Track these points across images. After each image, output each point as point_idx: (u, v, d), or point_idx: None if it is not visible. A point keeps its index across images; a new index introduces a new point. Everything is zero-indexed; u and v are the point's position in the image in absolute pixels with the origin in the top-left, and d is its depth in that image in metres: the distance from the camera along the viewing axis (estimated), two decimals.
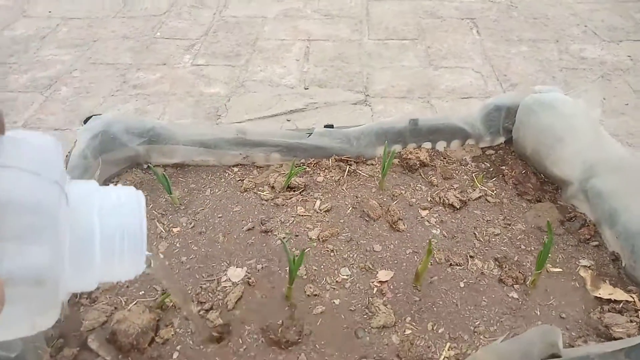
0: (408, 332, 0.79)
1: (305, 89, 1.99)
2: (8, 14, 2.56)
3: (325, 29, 2.41)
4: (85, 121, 1.01)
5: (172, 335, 0.79)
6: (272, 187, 1.05)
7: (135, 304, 0.83)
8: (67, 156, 0.96)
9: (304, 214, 1.00)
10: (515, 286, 0.86)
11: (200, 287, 0.86)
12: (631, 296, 0.81)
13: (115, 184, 1.02)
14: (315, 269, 0.88)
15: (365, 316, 0.81)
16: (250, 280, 0.86)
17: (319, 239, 0.93)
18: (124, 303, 0.83)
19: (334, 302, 0.83)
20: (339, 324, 0.80)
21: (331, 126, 1.09)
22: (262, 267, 0.89)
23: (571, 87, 1.97)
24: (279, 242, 0.93)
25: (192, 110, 1.88)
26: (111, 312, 0.81)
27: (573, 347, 0.74)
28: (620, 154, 0.89)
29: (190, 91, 1.99)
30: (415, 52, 2.22)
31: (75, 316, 0.81)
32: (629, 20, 2.44)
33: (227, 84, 2.03)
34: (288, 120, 1.82)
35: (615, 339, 0.74)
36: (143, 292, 0.85)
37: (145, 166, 1.08)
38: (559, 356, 0.68)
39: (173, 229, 0.97)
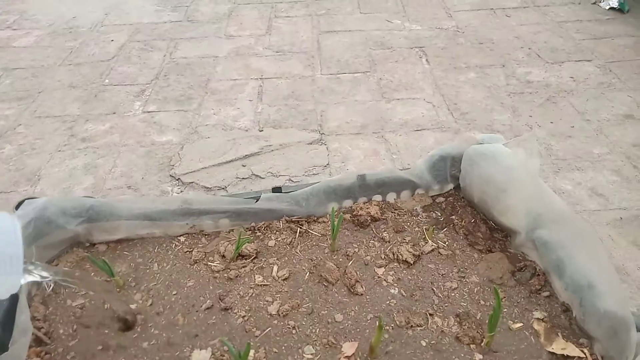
0: None
1: (260, 131, 1.97)
2: None
3: (278, 66, 2.41)
4: (17, 206, 0.96)
5: None
6: (223, 257, 1.02)
7: None
8: None
9: (262, 282, 0.97)
10: (472, 345, 0.85)
11: None
12: (582, 350, 0.82)
13: (56, 266, 0.96)
14: (275, 351, 0.85)
15: None
16: None
17: (279, 314, 0.90)
18: None
19: None
20: None
21: (279, 189, 1.07)
22: (226, 348, 0.86)
23: (519, 112, 2.03)
24: (240, 319, 0.90)
25: (144, 161, 1.83)
26: None
27: None
28: (561, 206, 0.91)
29: (141, 141, 1.94)
30: (368, 85, 2.24)
31: None
32: (569, 41, 2.54)
33: (180, 130, 1.99)
34: (243, 166, 1.79)
35: None
36: None
37: (87, 245, 1.04)
38: None
39: (130, 306, 0.92)
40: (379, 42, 2.60)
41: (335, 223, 0.99)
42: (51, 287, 0.95)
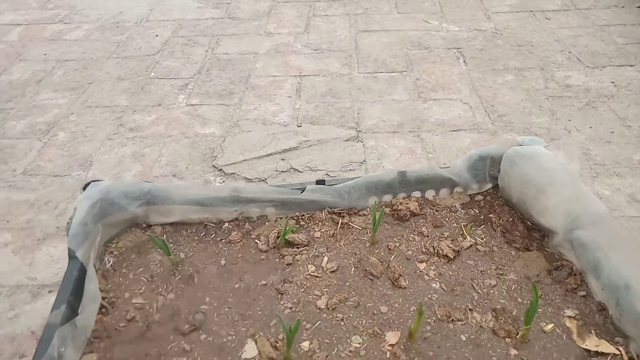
0: None
1: (298, 126, 2.03)
2: (4, 59, 2.61)
3: (316, 64, 2.46)
4: (84, 187, 1.04)
5: None
6: (273, 244, 1.07)
7: None
8: (68, 223, 0.99)
9: (314, 273, 1.02)
10: (507, 339, 0.89)
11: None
12: (618, 348, 0.84)
13: (116, 245, 1.04)
14: (327, 342, 0.90)
15: None
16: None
17: (328, 308, 0.95)
18: None
19: None
20: None
21: (323, 182, 1.12)
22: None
23: (558, 116, 2.03)
24: (287, 310, 0.95)
25: (188, 151, 1.91)
26: None
27: None
28: (600, 209, 0.93)
29: (185, 132, 2.03)
30: (404, 85, 2.27)
31: None
32: (611, 45, 2.50)
33: (222, 123, 2.07)
34: (283, 160, 1.86)
35: None
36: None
37: (144, 226, 1.11)
38: None
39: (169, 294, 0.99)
40: (416, 43, 2.62)
41: (377, 216, 1.04)
42: (110, 263, 1.03)
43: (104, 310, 0.95)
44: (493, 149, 1.11)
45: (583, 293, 0.95)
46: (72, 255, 0.95)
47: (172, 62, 2.54)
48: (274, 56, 2.55)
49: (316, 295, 0.98)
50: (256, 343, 0.89)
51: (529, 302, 0.95)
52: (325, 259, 1.05)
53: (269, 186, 1.10)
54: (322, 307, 0.96)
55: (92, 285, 0.91)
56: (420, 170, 1.13)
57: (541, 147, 1.04)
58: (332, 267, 1.03)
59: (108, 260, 1.04)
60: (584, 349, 0.86)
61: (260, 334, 0.91)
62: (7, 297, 1.40)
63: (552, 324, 0.91)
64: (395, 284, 0.99)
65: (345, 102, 2.17)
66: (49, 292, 1.40)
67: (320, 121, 2.06)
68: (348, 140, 1.94)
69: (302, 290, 0.99)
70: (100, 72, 2.47)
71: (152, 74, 2.45)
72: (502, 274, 1.00)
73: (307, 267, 1.03)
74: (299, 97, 2.22)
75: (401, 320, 0.93)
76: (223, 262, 1.05)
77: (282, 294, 0.98)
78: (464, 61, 2.44)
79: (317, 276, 1.01)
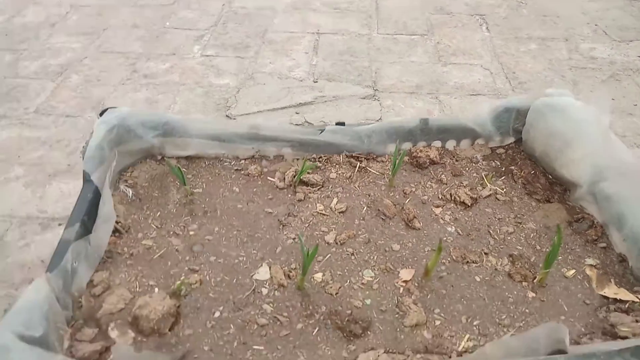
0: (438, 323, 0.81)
1: (314, 82, 1.99)
2: (18, 1, 2.56)
3: (335, 23, 2.41)
4: (101, 113, 1.02)
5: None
6: (289, 182, 1.06)
7: (156, 291, 0.85)
8: (84, 147, 0.98)
9: (322, 212, 1.01)
10: (524, 283, 0.88)
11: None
12: (637, 297, 0.83)
13: (131, 174, 1.03)
14: (339, 274, 0.89)
15: (397, 315, 0.83)
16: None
17: (336, 242, 0.95)
18: (139, 289, 0.85)
19: (365, 302, 0.84)
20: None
21: (342, 124, 1.10)
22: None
23: (580, 87, 1.98)
24: (293, 238, 0.94)
25: (202, 100, 1.89)
26: (130, 299, 0.83)
27: (579, 344, 0.76)
28: (629, 159, 0.90)
29: (199, 82, 2.00)
30: (425, 48, 2.22)
31: (95, 301, 0.83)
32: None
33: (237, 75, 2.04)
34: (297, 113, 1.83)
35: (620, 338, 0.76)
36: (162, 279, 0.87)
37: (159, 157, 1.10)
38: (565, 352, 0.70)
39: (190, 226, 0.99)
40: (439, 7, 2.55)
41: (398, 159, 1.02)
42: (129, 192, 1.02)
43: (117, 234, 0.95)
44: (520, 101, 1.09)
45: (603, 245, 0.94)
46: (87, 179, 0.94)
47: (188, 13, 2.49)
48: (292, 13, 2.50)
49: (323, 231, 0.97)
50: (270, 268, 0.88)
51: (547, 250, 0.93)
52: (335, 199, 1.03)
53: (288, 125, 1.08)
54: (331, 241, 0.95)
55: (106, 206, 0.90)
56: (443, 118, 1.11)
57: (571, 98, 1.01)
58: (341, 207, 1.01)
59: (125, 189, 1.03)
60: (602, 295, 0.85)
61: (270, 259, 0.90)
62: (17, 227, 1.40)
63: (574, 270, 0.89)
64: (409, 224, 0.98)
65: (363, 61, 2.13)
66: (59, 224, 1.40)
67: (337, 78, 2.02)
68: (365, 98, 1.90)
69: (307, 225, 0.98)
70: (116, 20, 2.43)
71: (168, 23, 2.40)
72: (520, 223, 0.99)
73: (316, 205, 1.02)
74: (316, 53, 2.18)
75: (415, 259, 0.92)
76: (236, 193, 1.04)
77: (284, 225, 0.97)
78: (487, 28, 2.38)
79: (324, 214, 1.00)
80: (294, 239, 0.95)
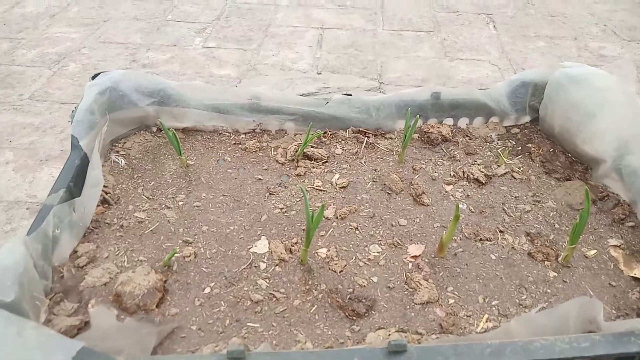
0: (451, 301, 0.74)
1: (318, 74, 1.94)
2: None
3: (339, 18, 2.37)
4: (94, 77, 0.96)
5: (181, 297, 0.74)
6: (291, 156, 1.00)
7: (140, 265, 0.77)
8: (73, 111, 0.92)
9: (320, 187, 0.94)
10: (546, 262, 0.80)
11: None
12: None
13: (123, 145, 0.95)
14: (345, 249, 0.82)
15: (406, 292, 0.76)
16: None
17: (336, 217, 0.88)
18: (127, 264, 0.78)
19: (372, 280, 0.77)
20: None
21: (350, 95, 1.04)
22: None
23: None
24: (296, 220, 0.87)
25: None
26: (116, 274, 0.76)
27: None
28: None
29: (200, 72, 1.94)
30: (431, 44, 2.18)
31: (77, 273, 0.75)
32: None
33: (238, 66, 1.98)
34: None
35: None
36: (154, 253, 0.80)
37: (154, 129, 1.04)
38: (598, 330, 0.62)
39: (182, 200, 0.92)
40: (445, 5, 2.52)
41: (409, 132, 0.95)
42: (120, 162, 0.96)
43: (106, 205, 0.88)
44: (537, 74, 1.03)
45: (631, 223, 0.86)
46: (75, 144, 0.88)
47: (190, 7, 2.45)
48: (296, 8, 2.46)
49: (316, 207, 0.90)
50: (269, 242, 0.81)
51: (567, 229, 0.86)
52: (337, 175, 0.97)
53: (291, 94, 1.02)
54: (330, 216, 0.88)
55: (95, 171, 0.83)
56: (456, 91, 1.04)
57: (592, 68, 0.95)
58: (343, 182, 0.94)
59: (116, 158, 0.96)
60: (631, 277, 0.78)
61: (264, 230, 0.84)
62: (4, 212, 1.33)
63: (595, 250, 0.82)
64: (417, 200, 0.91)
65: (368, 55, 2.08)
66: None
67: (341, 71, 1.97)
68: (370, 90, 1.85)
69: (298, 199, 0.91)
70: (116, 12, 2.39)
71: (169, 16, 2.36)
72: (538, 201, 0.92)
73: (313, 181, 0.95)
74: (320, 47, 2.13)
75: (424, 235, 0.85)
76: (228, 162, 0.97)
77: (271, 193, 0.91)
78: (494, 26, 2.34)
79: (321, 190, 0.93)
80: (281, 209, 0.88)
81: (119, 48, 2.10)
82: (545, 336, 0.61)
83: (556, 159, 0.99)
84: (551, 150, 1.01)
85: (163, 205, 0.89)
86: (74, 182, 0.83)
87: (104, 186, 0.89)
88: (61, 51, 2.06)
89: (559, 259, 0.80)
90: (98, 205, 0.85)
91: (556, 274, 0.79)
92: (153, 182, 0.93)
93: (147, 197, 0.90)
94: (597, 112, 0.91)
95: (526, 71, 1.04)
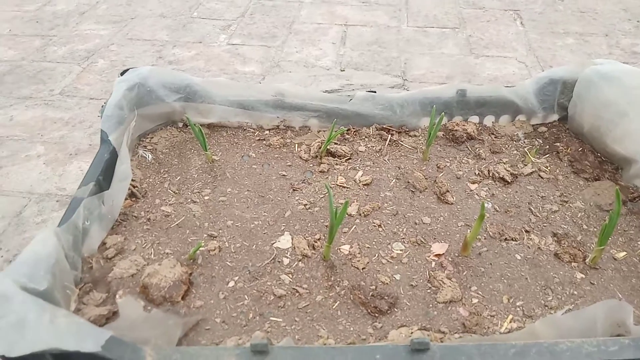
0: (475, 301, 0.73)
1: (342, 70, 1.94)
2: None
3: (363, 15, 2.36)
4: (123, 73, 0.98)
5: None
6: (315, 153, 1.00)
7: (166, 257, 0.79)
8: (102, 106, 0.94)
9: (343, 184, 0.94)
10: (573, 264, 0.79)
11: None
12: None
13: (150, 140, 0.97)
14: (367, 247, 0.82)
15: (429, 290, 0.75)
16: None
17: (360, 214, 0.88)
18: (154, 257, 0.80)
19: (395, 277, 0.77)
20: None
21: (374, 92, 1.04)
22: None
23: None
24: (320, 216, 0.87)
25: None
26: (143, 266, 0.77)
27: None
28: None
29: (224, 69, 1.97)
30: (456, 41, 2.15)
31: (105, 264, 0.77)
32: None
33: (262, 63, 2.00)
34: None
35: None
36: (180, 247, 0.82)
37: (180, 124, 1.05)
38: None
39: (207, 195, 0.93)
40: (470, 2, 2.48)
41: (434, 129, 0.95)
42: (149, 157, 0.98)
43: (134, 198, 0.90)
44: (566, 71, 1.00)
45: None
46: (104, 138, 0.90)
47: (215, 4, 2.47)
48: (320, 5, 2.46)
49: (340, 203, 0.90)
50: (292, 237, 0.82)
51: (596, 230, 0.84)
52: (361, 172, 0.96)
53: (315, 91, 1.02)
54: (353, 213, 0.88)
55: (123, 165, 0.85)
56: (482, 89, 1.02)
57: (625, 65, 0.92)
58: (366, 179, 0.94)
59: (144, 153, 0.98)
60: None
61: (290, 227, 0.84)
62: (35, 204, 1.37)
63: (625, 252, 0.80)
64: (441, 198, 0.90)
65: (392, 52, 2.07)
66: None
67: (365, 67, 1.96)
68: (393, 87, 1.84)
69: (321, 195, 0.91)
70: (143, 9, 2.43)
71: (195, 13, 2.39)
72: (566, 202, 0.90)
73: (337, 178, 0.95)
74: (343, 44, 2.13)
75: (447, 233, 0.84)
76: (253, 158, 0.98)
77: (295, 189, 0.91)
78: (521, 23, 2.29)
79: (344, 186, 0.93)
80: (305, 205, 0.89)
81: (146, 45, 2.13)
82: (571, 339, 0.60)
83: (585, 159, 0.97)
84: (580, 149, 0.99)
85: (189, 200, 0.90)
86: (103, 176, 0.85)
87: (132, 180, 0.91)
88: (90, 48, 2.11)
89: (587, 260, 0.78)
90: (126, 199, 0.87)
91: (583, 276, 0.77)
92: (179, 177, 0.95)
93: (174, 192, 0.92)
94: (629, 111, 0.89)
95: (555, 68, 1.02)
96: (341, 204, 0.90)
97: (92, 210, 0.79)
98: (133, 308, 0.61)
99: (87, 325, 0.57)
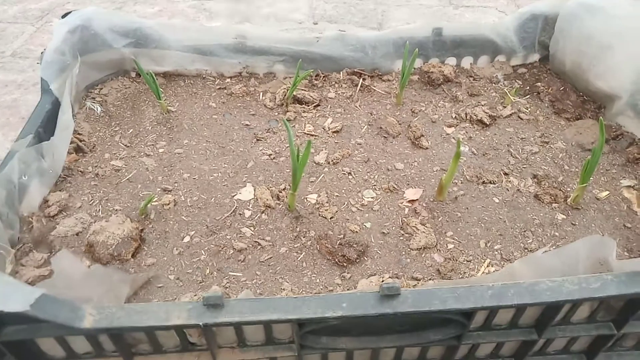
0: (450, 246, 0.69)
1: (314, 24, 1.84)
2: None
3: None
4: (65, 16, 0.89)
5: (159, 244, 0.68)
6: (280, 101, 0.92)
7: (115, 214, 0.72)
8: (42, 53, 0.85)
9: (311, 132, 0.87)
10: (554, 205, 0.74)
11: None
12: None
13: (100, 92, 0.86)
14: (336, 195, 0.76)
15: (402, 238, 0.70)
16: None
17: (328, 162, 0.81)
18: (102, 214, 0.73)
19: (365, 226, 0.72)
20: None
21: (343, 32, 0.96)
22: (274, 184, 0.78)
23: None
24: (285, 166, 0.81)
25: None
26: (90, 223, 0.70)
27: None
28: None
29: None
30: None
31: (48, 223, 0.70)
32: None
33: (231, 17, 1.88)
34: None
35: None
36: (130, 202, 0.74)
37: (133, 74, 0.96)
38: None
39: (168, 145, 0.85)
40: None
41: (407, 69, 0.88)
42: (99, 110, 0.89)
43: (81, 153, 0.82)
44: (549, 5, 0.94)
45: None
46: (45, 87, 0.81)
47: None
48: None
49: (311, 153, 0.83)
50: (255, 189, 0.75)
51: (577, 170, 0.80)
52: (330, 119, 0.90)
53: (279, 32, 0.94)
54: (321, 161, 0.81)
55: (65, 115, 0.77)
56: (460, 27, 0.95)
57: None
58: (336, 126, 0.87)
59: (92, 105, 0.90)
60: None
61: (250, 177, 0.78)
62: None
63: (607, 192, 0.76)
64: (416, 143, 0.84)
65: (368, 3, 1.97)
66: None
67: (340, 20, 1.86)
68: None
69: (287, 145, 0.84)
70: None
71: None
72: (547, 142, 0.85)
73: (304, 125, 0.88)
74: None
75: (422, 179, 0.79)
76: (213, 108, 0.91)
77: (258, 139, 0.85)
78: None
79: (312, 134, 0.87)
80: (269, 155, 0.82)
81: (106, 2, 1.99)
82: (552, 277, 0.55)
83: (567, 98, 0.91)
84: (561, 88, 0.93)
85: (142, 153, 0.83)
86: (44, 128, 0.77)
87: (79, 134, 0.83)
88: (44, 7, 1.96)
89: (568, 200, 0.74)
90: (71, 153, 0.79)
91: (565, 217, 0.73)
92: (131, 130, 0.87)
93: (125, 145, 0.84)
94: (613, 43, 0.83)
95: (537, 3, 0.95)
96: (311, 153, 0.83)
97: (30, 164, 0.71)
98: (69, 263, 0.54)
99: (14, 283, 0.51)
